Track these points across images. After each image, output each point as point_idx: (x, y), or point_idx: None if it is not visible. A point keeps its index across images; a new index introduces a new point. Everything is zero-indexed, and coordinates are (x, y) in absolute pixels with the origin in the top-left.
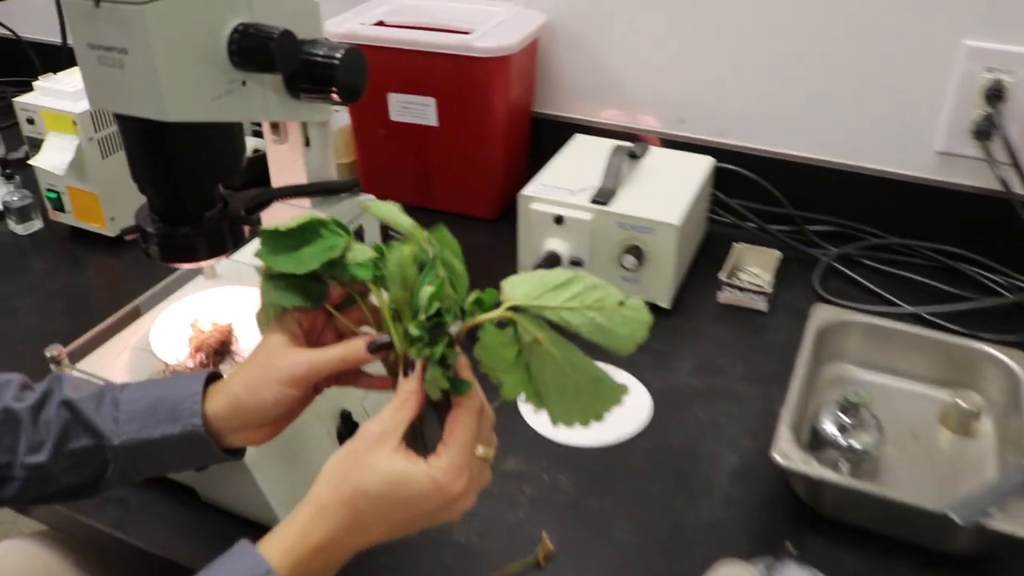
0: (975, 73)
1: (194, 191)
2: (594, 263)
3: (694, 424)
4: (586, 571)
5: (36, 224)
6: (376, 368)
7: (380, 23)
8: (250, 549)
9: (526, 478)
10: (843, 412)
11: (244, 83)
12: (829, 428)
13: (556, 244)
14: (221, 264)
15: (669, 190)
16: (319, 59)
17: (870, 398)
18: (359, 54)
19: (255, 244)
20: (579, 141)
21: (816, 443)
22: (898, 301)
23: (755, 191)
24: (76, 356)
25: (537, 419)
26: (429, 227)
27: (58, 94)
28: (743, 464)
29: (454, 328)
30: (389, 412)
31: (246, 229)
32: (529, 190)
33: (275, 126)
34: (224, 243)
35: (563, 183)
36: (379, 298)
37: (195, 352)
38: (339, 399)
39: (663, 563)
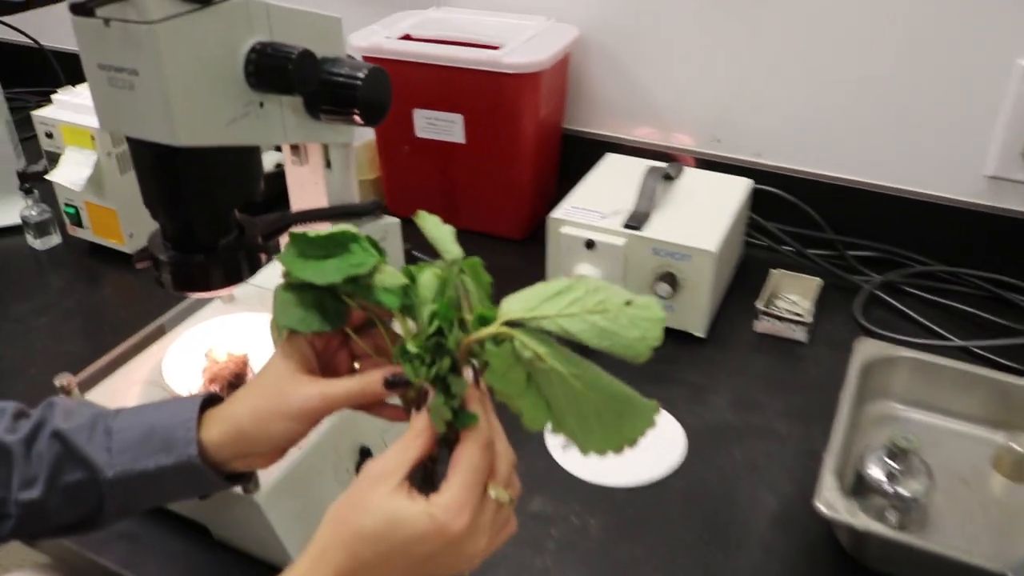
0: None
1: (208, 217)
2: (626, 290)
3: (730, 464)
4: None
5: (54, 239)
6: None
7: (406, 37)
8: None
9: (554, 520)
10: (891, 458)
11: (262, 105)
12: (876, 474)
13: (587, 269)
14: (239, 288)
15: (705, 214)
16: (341, 79)
17: (920, 444)
18: (383, 74)
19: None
20: (611, 160)
21: (861, 488)
22: (945, 333)
23: (794, 214)
24: (86, 385)
25: (566, 456)
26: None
27: (77, 108)
28: (782, 510)
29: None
30: (394, 450)
31: (263, 256)
32: (559, 213)
33: (295, 147)
34: (240, 271)
35: (595, 205)
36: (404, 328)
37: (209, 384)
38: (358, 434)
39: None
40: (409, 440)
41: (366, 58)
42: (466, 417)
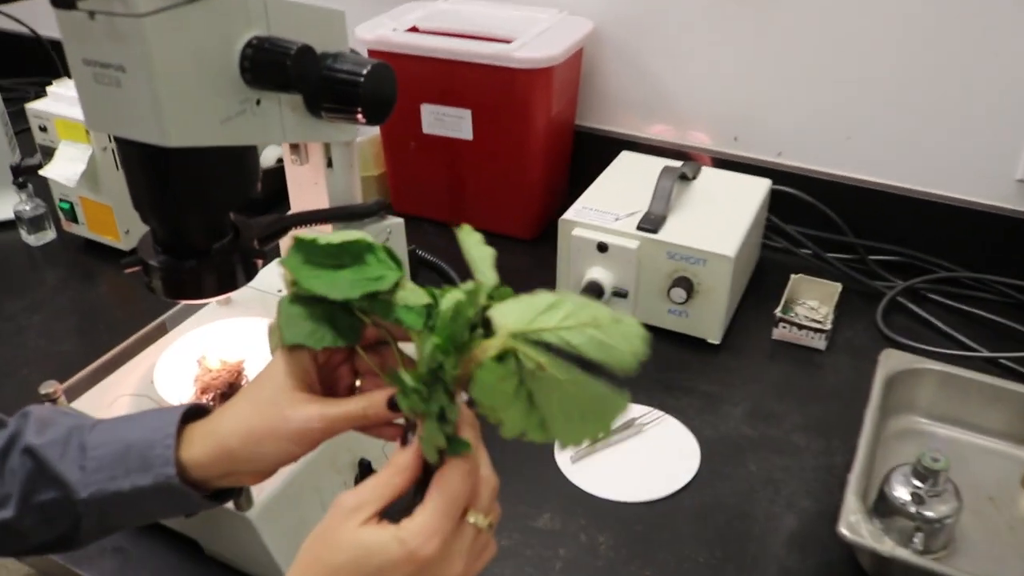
0: None
1: (201, 221)
2: (639, 295)
3: (746, 479)
4: None
5: (49, 235)
6: None
7: (414, 29)
8: None
9: (562, 538)
10: (918, 478)
11: (259, 102)
12: (901, 495)
13: (599, 273)
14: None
15: (723, 216)
16: (343, 76)
17: (948, 464)
18: (387, 70)
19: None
20: (625, 159)
21: (884, 508)
22: (971, 343)
23: (813, 216)
24: (74, 393)
25: (575, 470)
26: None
27: (71, 101)
28: (801, 528)
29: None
30: (371, 485)
31: (259, 262)
32: (571, 214)
33: (295, 146)
34: (234, 278)
35: (608, 206)
36: (420, 351)
37: (201, 394)
38: (357, 447)
39: None
40: (388, 476)
41: (372, 51)
42: (459, 444)
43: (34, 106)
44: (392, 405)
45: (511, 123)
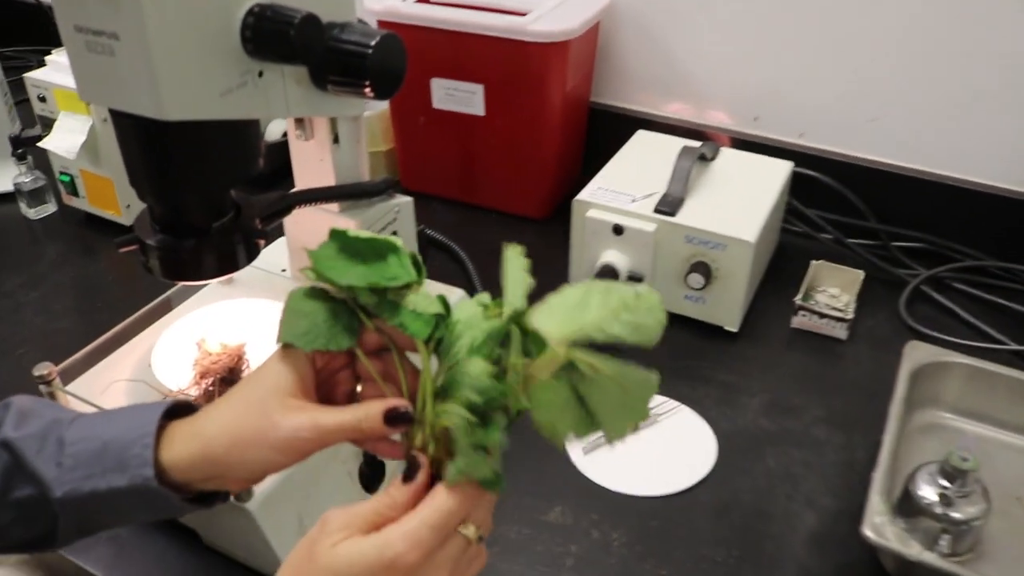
0: None
1: (200, 199)
2: (656, 280)
3: (764, 474)
4: None
5: (49, 208)
6: None
7: (425, 0)
8: None
9: (573, 534)
10: (945, 477)
11: (261, 74)
12: (927, 495)
13: (613, 256)
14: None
15: (743, 200)
16: (350, 47)
17: (978, 464)
18: (396, 41)
19: (279, 248)
20: (642, 138)
21: (908, 508)
22: (996, 335)
23: (835, 200)
24: (69, 375)
25: (588, 463)
26: (473, 226)
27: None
28: (821, 527)
29: None
30: (361, 512)
31: (260, 242)
32: (586, 195)
33: (299, 121)
34: (235, 258)
35: (624, 187)
36: (425, 364)
37: (200, 379)
38: None
39: None
40: (382, 507)
41: (381, 23)
42: (499, 482)
43: (33, 75)
44: (389, 420)
45: (525, 99)
